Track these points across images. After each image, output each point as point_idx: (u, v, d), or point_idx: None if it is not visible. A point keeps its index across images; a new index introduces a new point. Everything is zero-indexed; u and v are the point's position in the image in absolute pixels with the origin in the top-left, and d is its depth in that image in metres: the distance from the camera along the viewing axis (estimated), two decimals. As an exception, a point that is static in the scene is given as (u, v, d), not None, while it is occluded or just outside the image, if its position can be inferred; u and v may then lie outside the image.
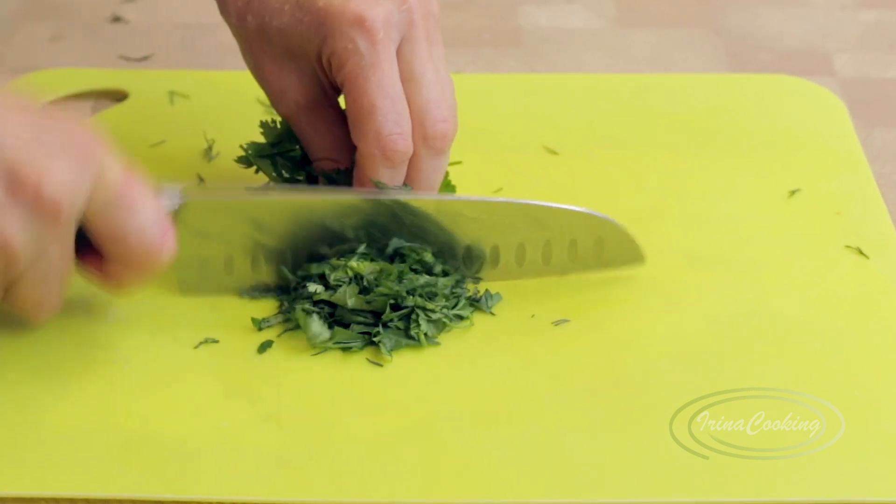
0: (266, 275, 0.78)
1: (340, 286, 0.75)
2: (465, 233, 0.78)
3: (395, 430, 0.70)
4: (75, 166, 0.66)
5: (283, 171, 0.81)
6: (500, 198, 0.80)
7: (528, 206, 0.78)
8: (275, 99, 0.80)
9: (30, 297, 0.69)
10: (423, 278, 0.76)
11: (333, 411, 0.71)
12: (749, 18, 1.07)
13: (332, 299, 0.75)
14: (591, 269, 0.79)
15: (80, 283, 0.78)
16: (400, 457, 0.69)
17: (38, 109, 0.68)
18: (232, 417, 0.71)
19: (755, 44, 1.04)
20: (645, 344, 0.75)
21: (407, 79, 0.77)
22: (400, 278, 0.76)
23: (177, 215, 0.74)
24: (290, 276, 0.77)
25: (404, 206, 0.77)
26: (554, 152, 0.90)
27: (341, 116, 0.79)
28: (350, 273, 0.75)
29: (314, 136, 0.79)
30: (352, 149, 0.78)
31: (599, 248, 0.79)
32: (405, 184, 0.78)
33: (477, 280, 0.79)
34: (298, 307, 0.75)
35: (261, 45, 0.79)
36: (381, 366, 0.74)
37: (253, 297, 0.78)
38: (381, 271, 0.75)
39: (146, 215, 0.69)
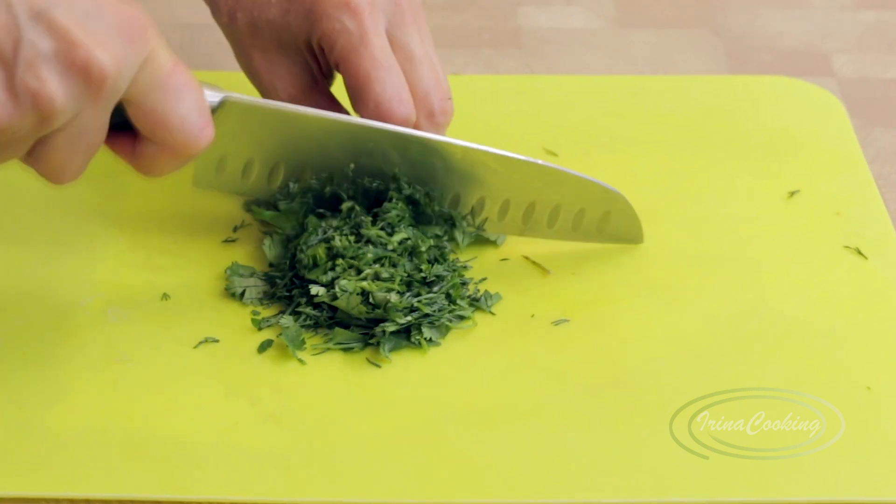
0: (276, 189, 0.80)
1: (346, 293, 0.75)
2: (481, 185, 0.80)
3: (395, 430, 0.70)
4: (127, 44, 0.66)
5: None
6: (524, 156, 0.80)
7: (548, 169, 0.79)
8: (267, 94, 0.82)
9: (56, 158, 0.69)
10: (402, 234, 0.77)
11: (333, 411, 0.71)
12: (749, 19, 1.07)
13: (334, 303, 0.75)
14: (591, 239, 0.81)
15: (79, 283, 0.78)
16: (400, 457, 0.69)
17: None
18: (232, 417, 0.71)
19: (755, 44, 1.04)
20: (645, 344, 0.75)
21: (405, 59, 0.80)
22: (409, 285, 0.76)
23: (215, 111, 0.74)
24: (295, 189, 0.79)
25: (431, 148, 0.78)
26: (553, 153, 0.90)
27: (333, 104, 0.82)
28: (358, 289, 0.75)
29: None
30: None
31: (605, 221, 0.80)
32: None
33: (480, 230, 0.81)
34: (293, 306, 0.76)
35: (252, 41, 0.81)
36: (380, 366, 0.74)
37: (257, 208, 0.80)
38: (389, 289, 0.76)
39: (189, 103, 0.69)
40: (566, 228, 0.81)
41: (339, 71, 0.79)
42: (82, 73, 0.65)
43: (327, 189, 0.80)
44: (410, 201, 0.80)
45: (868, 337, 0.76)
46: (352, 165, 0.79)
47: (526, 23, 1.06)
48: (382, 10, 0.79)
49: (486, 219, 0.81)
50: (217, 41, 0.86)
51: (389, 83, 0.78)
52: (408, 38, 0.80)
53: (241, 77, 0.84)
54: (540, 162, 0.79)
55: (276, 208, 0.81)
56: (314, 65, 0.81)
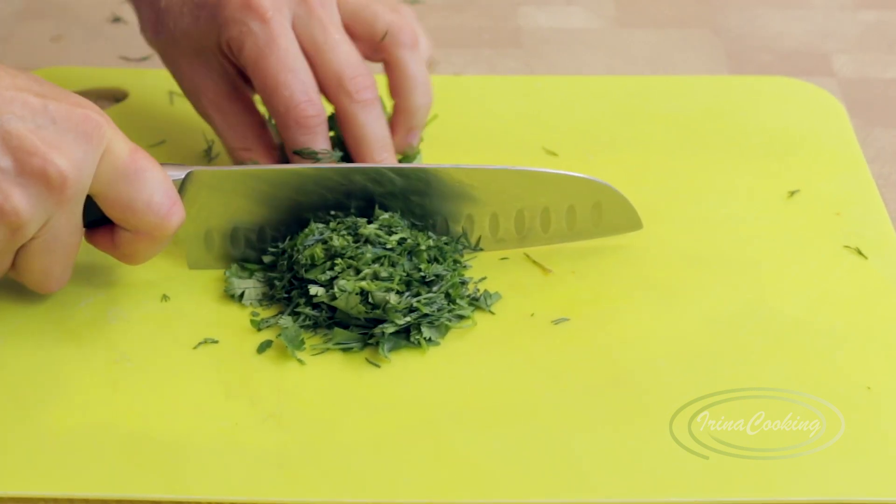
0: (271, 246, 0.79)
1: (344, 293, 0.75)
2: (464, 202, 0.80)
3: (395, 429, 0.70)
4: (82, 143, 0.68)
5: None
6: (497, 165, 0.80)
7: (525, 173, 0.79)
8: (192, 100, 0.84)
9: (38, 266, 0.71)
10: (401, 234, 0.77)
11: (333, 411, 0.71)
12: (749, 19, 1.07)
13: (333, 304, 0.75)
14: (590, 235, 0.81)
15: (79, 283, 0.78)
16: (400, 457, 0.69)
17: (44, 88, 0.70)
18: (231, 417, 0.71)
19: (755, 44, 1.04)
20: (645, 343, 0.75)
21: (312, 50, 0.80)
22: (409, 285, 0.76)
23: (182, 186, 0.76)
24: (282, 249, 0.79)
25: (404, 176, 0.79)
26: (553, 153, 0.90)
27: (251, 107, 0.83)
28: (357, 289, 0.75)
29: (225, 128, 0.82)
30: (262, 135, 0.82)
31: (597, 213, 0.80)
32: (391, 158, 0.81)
33: (478, 250, 0.80)
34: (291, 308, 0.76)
35: (174, 52, 0.83)
36: (380, 366, 0.74)
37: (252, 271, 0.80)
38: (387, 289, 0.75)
39: (153, 185, 0.71)
40: (562, 229, 0.81)
41: (248, 74, 0.80)
42: (42, 181, 0.67)
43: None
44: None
45: (868, 337, 0.76)
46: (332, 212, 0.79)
47: (526, 23, 1.06)
48: (287, 5, 0.80)
49: (480, 237, 0.81)
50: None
51: (297, 86, 0.79)
52: (311, 28, 0.80)
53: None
54: (514, 168, 0.79)
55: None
56: (231, 69, 0.82)
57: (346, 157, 0.82)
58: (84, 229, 0.73)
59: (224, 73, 0.82)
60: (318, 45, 0.80)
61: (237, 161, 0.83)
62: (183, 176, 0.76)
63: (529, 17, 1.07)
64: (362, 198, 0.79)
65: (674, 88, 0.96)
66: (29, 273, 0.72)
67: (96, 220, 0.73)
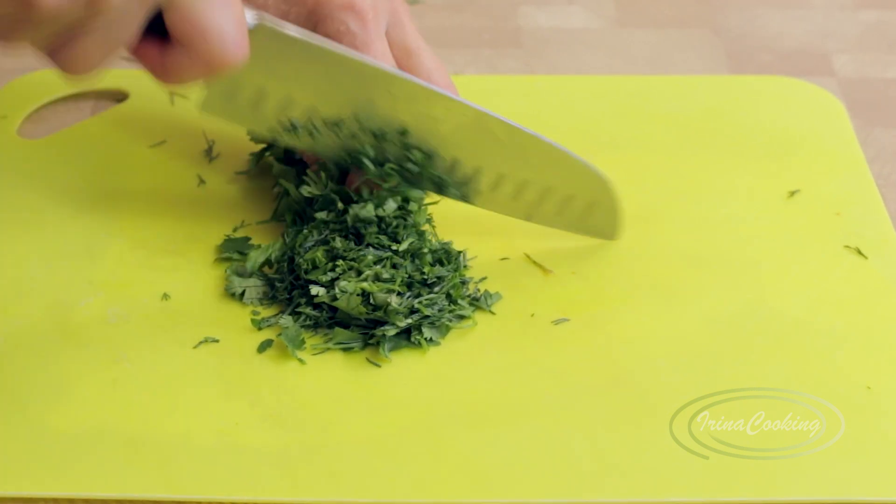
0: (282, 131, 0.79)
1: (346, 294, 0.75)
2: (483, 152, 0.80)
3: (395, 429, 0.70)
4: None
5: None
6: (532, 131, 0.80)
7: (552, 148, 0.80)
8: None
9: (86, 50, 0.66)
10: (409, 241, 0.77)
11: (333, 411, 0.71)
12: (749, 19, 1.07)
13: (334, 304, 0.75)
14: (570, 228, 0.81)
15: (79, 283, 0.78)
16: (399, 456, 0.69)
17: None
18: (232, 417, 0.71)
19: (755, 44, 1.04)
20: (645, 344, 0.75)
21: (404, 55, 0.81)
22: (409, 286, 0.76)
23: (249, 31, 0.72)
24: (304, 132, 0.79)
25: (448, 105, 0.79)
26: (554, 153, 0.89)
27: None
28: (358, 290, 0.75)
29: None
30: None
31: (588, 211, 0.81)
32: None
33: (466, 200, 0.81)
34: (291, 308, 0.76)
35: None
36: (380, 366, 0.74)
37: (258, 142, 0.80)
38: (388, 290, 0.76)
39: (231, 16, 0.68)
40: (550, 213, 0.81)
41: None
42: None
43: (327, 148, 0.79)
44: (409, 161, 0.80)
45: (868, 337, 0.76)
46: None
47: (526, 23, 1.06)
48: (384, 12, 0.80)
49: (475, 190, 0.81)
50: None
51: None
52: (405, 35, 0.81)
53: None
54: (546, 139, 0.80)
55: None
56: None
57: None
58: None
59: None
60: (411, 50, 0.81)
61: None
62: (253, 23, 0.73)
63: (529, 16, 1.07)
64: (391, 112, 0.79)
65: (674, 88, 0.96)
66: (72, 54, 0.66)
67: (149, 33, 0.69)
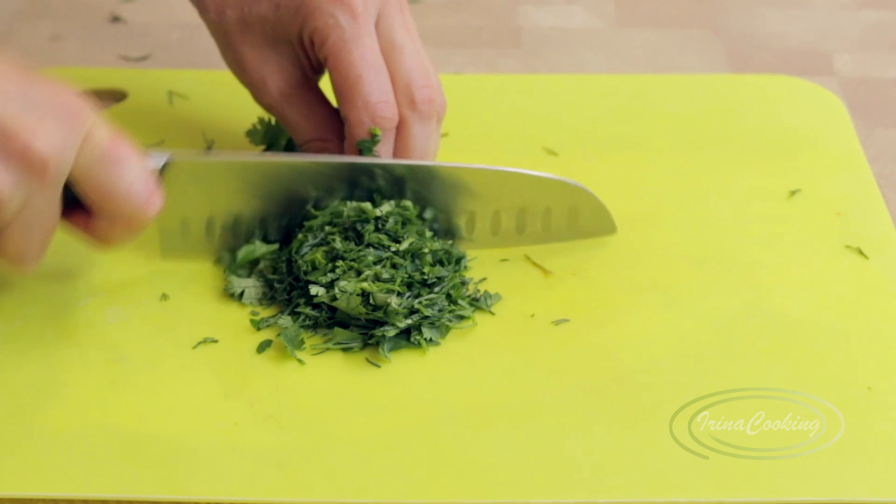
0: (245, 240, 0.80)
1: (345, 294, 0.75)
2: (442, 200, 0.80)
3: (395, 429, 0.70)
4: (64, 125, 0.68)
5: None
6: (476, 164, 0.80)
7: (503, 173, 0.80)
8: (256, 90, 0.82)
9: (13, 247, 0.70)
10: (409, 240, 0.77)
11: (333, 411, 0.71)
12: (749, 18, 1.07)
13: (334, 304, 0.75)
14: (564, 238, 0.81)
15: (79, 283, 0.78)
16: (399, 457, 0.69)
17: (27, 71, 0.69)
18: (231, 417, 0.71)
19: (755, 44, 1.04)
20: (645, 344, 0.75)
21: (388, 49, 0.80)
22: (409, 286, 0.76)
23: (161, 174, 0.76)
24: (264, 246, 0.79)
25: (386, 171, 0.79)
26: (553, 153, 0.89)
27: (322, 98, 0.82)
28: (358, 290, 0.75)
29: (299, 119, 0.82)
30: (337, 127, 0.81)
31: (573, 217, 0.81)
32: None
33: (452, 247, 0.80)
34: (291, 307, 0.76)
35: (241, 38, 0.81)
36: (380, 366, 0.74)
37: (230, 269, 0.79)
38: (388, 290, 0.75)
39: (133, 173, 0.70)
40: (536, 231, 0.81)
41: (326, 66, 0.80)
42: (24, 163, 0.67)
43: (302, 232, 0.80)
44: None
45: (868, 337, 0.76)
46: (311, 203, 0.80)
47: (526, 22, 1.06)
48: (374, 4, 0.80)
49: (456, 236, 0.81)
50: (217, 41, 0.87)
51: (377, 85, 0.78)
52: (392, 28, 0.80)
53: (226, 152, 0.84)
54: (493, 167, 0.80)
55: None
56: (305, 60, 0.81)
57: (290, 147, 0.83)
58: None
59: (297, 63, 0.82)
60: (396, 46, 0.80)
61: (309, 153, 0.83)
62: (162, 163, 0.76)
63: (529, 16, 1.07)
64: (349, 193, 0.79)
65: (674, 88, 0.96)
66: (4, 251, 0.71)
67: (71, 204, 0.72)
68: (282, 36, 0.80)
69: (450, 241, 0.80)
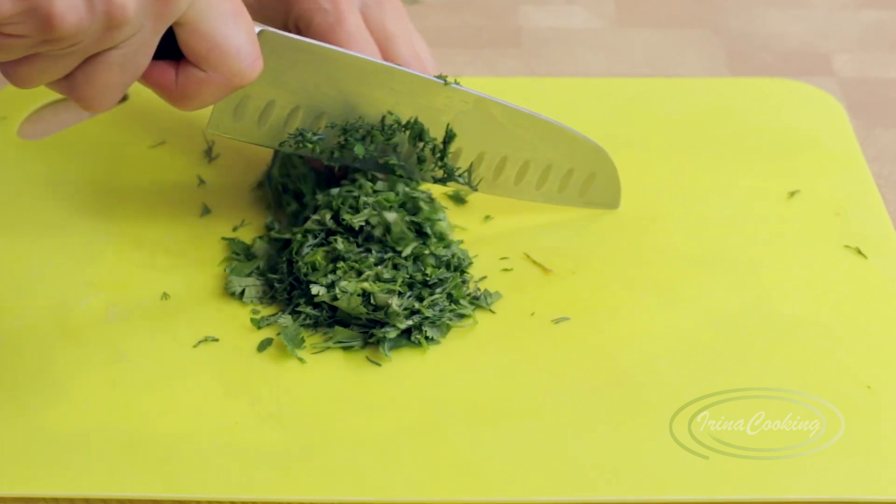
0: (295, 136, 0.79)
1: (346, 294, 0.75)
2: (483, 139, 0.81)
3: (395, 428, 0.70)
4: None
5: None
6: (529, 110, 0.82)
7: (549, 125, 0.82)
8: None
9: (105, 78, 0.66)
10: (411, 245, 0.77)
11: (333, 410, 0.71)
12: (749, 19, 1.07)
13: (335, 304, 0.75)
14: (572, 203, 0.83)
15: (79, 283, 0.78)
16: (400, 455, 0.69)
17: None
18: (231, 416, 0.71)
19: (755, 44, 1.04)
20: (645, 343, 0.75)
21: (383, 38, 0.81)
22: (410, 286, 0.76)
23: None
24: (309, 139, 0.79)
25: (449, 94, 0.80)
26: (554, 153, 0.90)
27: None
28: (359, 290, 0.75)
29: None
30: None
31: (589, 184, 0.83)
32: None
33: (474, 189, 0.82)
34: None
35: None
36: (380, 365, 0.74)
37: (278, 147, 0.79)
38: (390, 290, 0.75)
39: (244, 31, 0.68)
40: (553, 190, 0.83)
41: None
42: (106, 7, 0.63)
43: (335, 151, 0.80)
44: (419, 159, 0.81)
45: (868, 337, 0.76)
46: (388, 112, 0.79)
47: (526, 23, 1.06)
48: None
49: (482, 179, 0.82)
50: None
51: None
52: (382, 16, 0.81)
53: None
54: (542, 117, 0.81)
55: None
56: None
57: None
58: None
59: None
60: (388, 35, 0.81)
61: None
62: (257, 31, 0.73)
63: (529, 16, 1.07)
64: (396, 109, 0.79)
65: (674, 90, 0.96)
66: (90, 85, 0.67)
67: (159, 56, 0.69)
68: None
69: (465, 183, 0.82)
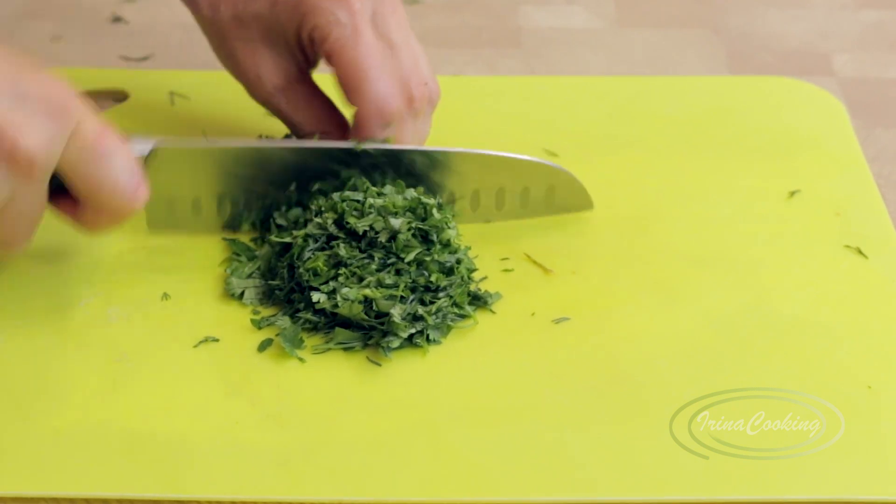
0: (231, 217, 0.81)
1: (347, 301, 0.75)
2: (425, 181, 0.81)
3: (396, 428, 0.70)
4: (52, 121, 0.68)
5: None
6: (457, 148, 0.82)
7: (483, 157, 0.82)
8: (252, 85, 0.83)
9: (1, 233, 0.71)
10: (415, 250, 0.77)
11: (334, 410, 0.71)
12: (749, 19, 1.07)
13: (336, 311, 0.75)
14: (542, 214, 0.83)
15: (79, 283, 0.78)
16: (400, 455, 0.69)
17: (18, 64, 0.70)
18: (232, 416, 0.71)
19: (755, 44, 1.04)
20: (645, 343, 0.75)
21: (385, 46, 0.80)
22: (413, 290, 0.76)
23: (147, 161, 0.77)
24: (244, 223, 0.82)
25: (368, 156, 0.80)
26: (554, 154, 0.89)
27: (318, 90, 0.83)
28: (360, 297, 0.75)
29: (296, 113, 0.83)
30: (335, 118, 0.83)
31: (550, 195, 0.83)
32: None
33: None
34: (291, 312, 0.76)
35: (235, 34, 0.82)
36: (381, 365, 0.74)
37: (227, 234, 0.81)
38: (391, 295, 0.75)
39: (120, 165, 0.71)
40: (515, 208, 0.83)
41: (329, 62, 0.80)
42: (10, 160, 0.67)
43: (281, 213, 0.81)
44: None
45: (868, 337, 0.76)
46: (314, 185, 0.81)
47: (526, 22, 1.06)
48: (369, 2, 0.80)
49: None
50: (217, 41, 0.87)
51: (384, 77, 0.79)
52: (387, 26, 0.81)
53: (211, 138, 0.84)
54: (473, 151, 0.82)
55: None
56: (300, 56, 0.82)
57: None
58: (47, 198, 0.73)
59: (292, 59, 0.82)
60: (393, 45, 0.81)
61: None
62: (148, 150, 0.77)
63: (529, 16, 1.07)
64: (327, 175, 0.81)
65: (674, 89, 0.96)
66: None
67: (59, 190, 0.72)
68: (278, 33, 0.81)
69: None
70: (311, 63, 0.83)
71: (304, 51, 0.82)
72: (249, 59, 0.82)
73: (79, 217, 0.74)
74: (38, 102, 0.68)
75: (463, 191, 0.82)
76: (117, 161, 0.71)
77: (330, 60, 0.80)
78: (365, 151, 0.80)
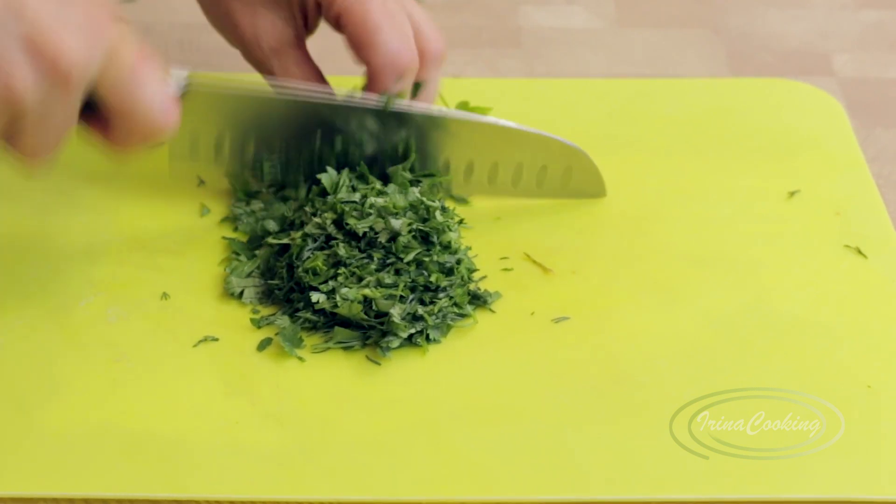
0: (249, 164, 0.82)
1: (347, 301, 0.75)
2: (445, 146, 0.82)
3: (395, 428, 0.70)
4: (92, 41, 0.68)
5: None
6: (482, 117, 0.83)
7: (506, 129, 0.82)
8: (248, 46, 0.83)
9: (29, 143, 0.71)
10: (415, 251, 0.77)
11: (333, 409, 0.71)
12: (749, 19, 1.07)
13: (336, 311, 0.75)
14: (557, 196, 0.84)
15: (79, 283, 0.78)
16: (400, 455, 0.69)
17: None
18: (232, 416, 0.71)
19: (755, 44, 1.04)
20: (645, 343, 0.75)
21: (392, 7, 0.81)
22: (413, 289, 0.76)
23: (182, 94, 0.76)
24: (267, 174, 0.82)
25: (397, 117, 0.81)
26: (554, 153, 0.89)
27: (309, 57, 0.83)
28: (360, 297, 0.75)
29: (290, 75, 0.83)
30: (325, 84, 0.83)
31: (567, 176, 0.83)
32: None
33: (447, 190, 0.83)
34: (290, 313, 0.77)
35: None
36: (380, 364, 0.74)
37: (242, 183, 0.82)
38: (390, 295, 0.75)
39: (154, 94, 0.71)
40: (531, 186, 0.83)
41: (338, 24, 0.81)
42: (50, 69, 0.67)
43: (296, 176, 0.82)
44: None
45: (868, 337, 0.76)
46: (337, 144, 0.81)
47: (526, 23, 1.06)
48: None
49: (452, 179, 0.83)
50: (218, 42, 0.87)
51: (397, 30, 0.80)
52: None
53: (240, 77, 0.84)
54: (500, 122, 0.82)
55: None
56: (300, 20, 0.83)
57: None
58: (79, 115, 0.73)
59: (291, 21, 0.83)
60: (400, 3, 0.81)
61: None
62: (184, 85, 0.77)
63: (529, 16, 1.07)
64: (349, 136, 0.81)
65: (674, 90, 0.96)
66: (18, 144, 0.71)
67: (91, 108, 0.72)
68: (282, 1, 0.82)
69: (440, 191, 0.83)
70: (308, 28, 0.83)
71: (306, 14, 0.82)
72: (248, 20, 0.83)
73: (108, 135, 0.73)
74: (81, 20, 0.68)
75: (482, 162, 0.83)
76: (151, 88, 0.71)
77: (339, 21, 0.81)
78: (393, 111, 0.80)
